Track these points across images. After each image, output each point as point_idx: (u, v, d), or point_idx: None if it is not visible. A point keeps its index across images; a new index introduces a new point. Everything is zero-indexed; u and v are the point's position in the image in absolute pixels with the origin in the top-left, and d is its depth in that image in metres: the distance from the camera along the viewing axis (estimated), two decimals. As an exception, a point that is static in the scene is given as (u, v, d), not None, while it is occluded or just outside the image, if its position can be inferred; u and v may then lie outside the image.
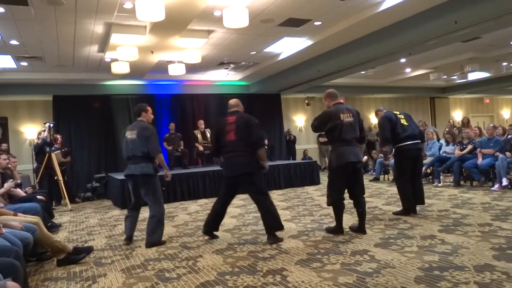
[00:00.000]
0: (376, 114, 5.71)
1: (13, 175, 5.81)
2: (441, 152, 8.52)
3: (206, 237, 4.67)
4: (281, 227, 4.38)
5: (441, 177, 8.02)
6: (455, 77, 13.38)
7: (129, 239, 4.72)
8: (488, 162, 7.18)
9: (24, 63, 8.65)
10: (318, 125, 4.48)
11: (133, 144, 4.52)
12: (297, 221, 5.29)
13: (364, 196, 4.47)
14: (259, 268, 3.44)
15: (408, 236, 4.17)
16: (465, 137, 8.00)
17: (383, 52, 8.03)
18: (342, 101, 4.66)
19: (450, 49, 9.38)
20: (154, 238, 4.50)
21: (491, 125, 7.75)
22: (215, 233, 4.67)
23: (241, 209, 6.61)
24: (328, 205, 4.52)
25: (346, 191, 4.44)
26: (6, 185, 5.00)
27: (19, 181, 5.30)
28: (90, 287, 3.26)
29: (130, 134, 4.58)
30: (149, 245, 4.46)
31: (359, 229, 4.43)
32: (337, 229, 4.45)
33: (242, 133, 4.30)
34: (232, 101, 4.63)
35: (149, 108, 4.76)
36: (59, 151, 8.89)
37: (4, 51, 7.64)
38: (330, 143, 4.49)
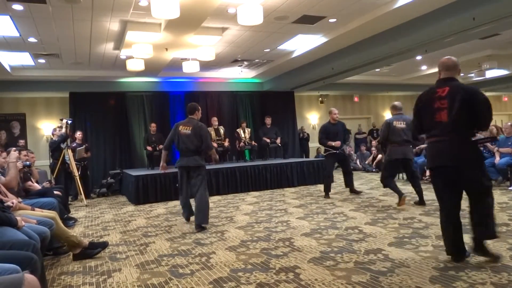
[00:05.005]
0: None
1: (31, 170, 5.92)
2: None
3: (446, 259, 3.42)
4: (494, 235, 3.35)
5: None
6: (472, 74, 13.11)
7: (188, 219, 5.54)
8: (506, 161, 7.04)
9: (41, 60, 8.80)
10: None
11: (188, 139, 5.09)
12: (310, 219, 5.28)
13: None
14: (272, 265, 3.45)
15: (423, 235, 4.12)
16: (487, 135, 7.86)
17: (398, 50, 7.93)
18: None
19: (467, 46, 9.21)
20: (203, 218, 5.03)
21: (509, 123, 7.59)
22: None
23: (254, 206, 6.61)
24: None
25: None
26: (11, 155, 4.18)
27: (28, 163, 5.31)
28: (105, 282, 3.31)
29: (184, 129, 5.13)
30: (198, 227, 4.96)
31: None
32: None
33: (460, 111, 3.09)
34: (446, 61, 3.31)
35: (200, 108, 5.43)
36: (82, 147, 9.05)
37: (22, 49, 7.78)
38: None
